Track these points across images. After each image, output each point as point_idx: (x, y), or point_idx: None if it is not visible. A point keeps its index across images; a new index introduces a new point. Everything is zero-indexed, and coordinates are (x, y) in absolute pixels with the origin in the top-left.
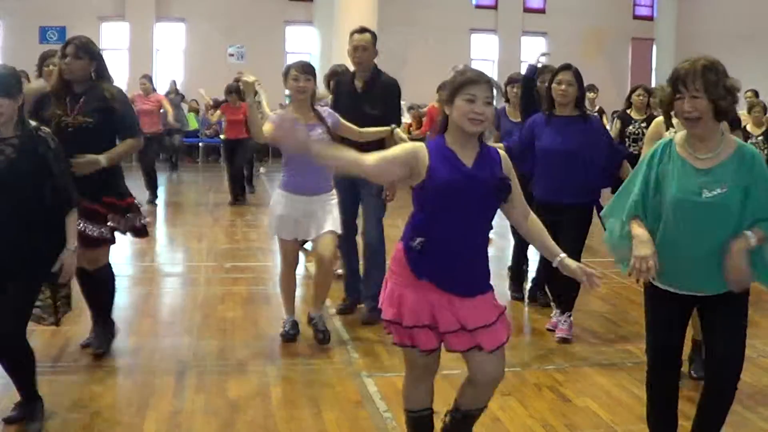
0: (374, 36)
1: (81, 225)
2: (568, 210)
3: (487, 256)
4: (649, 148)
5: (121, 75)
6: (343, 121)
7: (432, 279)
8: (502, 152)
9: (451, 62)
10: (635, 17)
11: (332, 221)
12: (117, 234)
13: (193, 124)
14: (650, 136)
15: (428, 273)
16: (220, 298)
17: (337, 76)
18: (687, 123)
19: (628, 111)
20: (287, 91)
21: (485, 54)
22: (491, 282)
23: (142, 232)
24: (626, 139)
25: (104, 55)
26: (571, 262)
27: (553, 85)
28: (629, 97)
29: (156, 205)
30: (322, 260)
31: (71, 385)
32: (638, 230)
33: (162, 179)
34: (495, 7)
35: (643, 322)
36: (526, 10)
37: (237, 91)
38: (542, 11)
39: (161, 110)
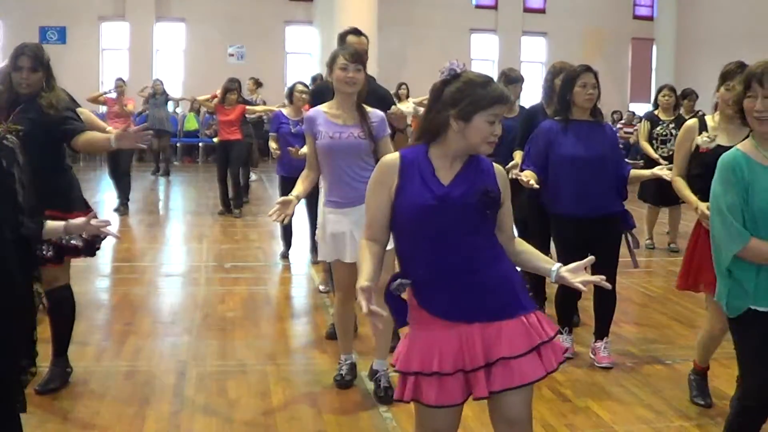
0: (368, 39)
1: None
2: (601, 221)
3: (506, 273)
4: (680, 155)
5: (121, 75)
6: (388, 137)
7: (436, 311)
8: (497, 167)
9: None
10: (635, 17)
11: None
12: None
13: (192, 124)
14: (682, 142)
15: (430, 304)
16: (220, 298)
17: (325, 84)
18: (758, 123)
19: (656, 112)
20: (286, 90)
21: (485, 54)
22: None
23: (72, 251)
24: (653, 141)
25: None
26: (568, 273)
27: (576, 88)
28: (656, 98)
29: (125, 213)
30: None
31: (71, 385)
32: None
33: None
34: (495, 7)
35: (643, 322)
36: (526, 10)
37: (237, 91)
38: (542, 11)
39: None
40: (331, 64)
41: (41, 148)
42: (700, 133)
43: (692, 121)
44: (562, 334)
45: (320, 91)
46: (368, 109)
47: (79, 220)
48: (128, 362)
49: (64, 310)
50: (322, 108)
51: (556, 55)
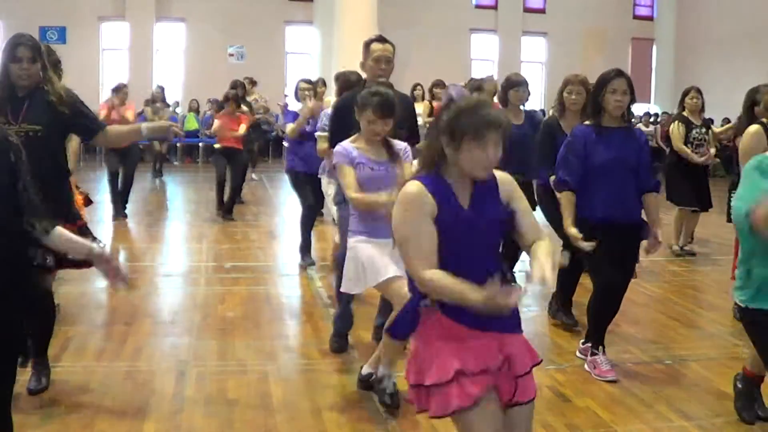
0: (393, 47)
1: None
2: (628, 228)
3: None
4: (747, 160)
5: (121, 75)
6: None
7: (464, 320)
8: (500, 176)
9: (451, 62)
10: (635, 17)
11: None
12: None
13: (192, 124)
14: (749, 149)
15: (457, 314)
16: (220, 298)
17: (351, 87)
18: None
19: (684, 113)
20: (286, 93)
21: (485, 54)
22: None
23: (71, 263)
24: (688, 146)
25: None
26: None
27: (606, 94)
28: (682, 100)
29: (125, 215)
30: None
31: (71, 385)
32: None
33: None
34: (495, 7)
35: (644, 321)
36: (526, 10)
37: (236, 99)
38: (542, 11)
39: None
40: (361, 111)
41: (52, 150)
42: None
43: (757, 128)
44: (596, 354)
45: (342, 111)
46: (393, 142)
47: (102, 254)
48: (128, 362)
49: (48, 316)
50: (350, 143)
51: (556, 55)
